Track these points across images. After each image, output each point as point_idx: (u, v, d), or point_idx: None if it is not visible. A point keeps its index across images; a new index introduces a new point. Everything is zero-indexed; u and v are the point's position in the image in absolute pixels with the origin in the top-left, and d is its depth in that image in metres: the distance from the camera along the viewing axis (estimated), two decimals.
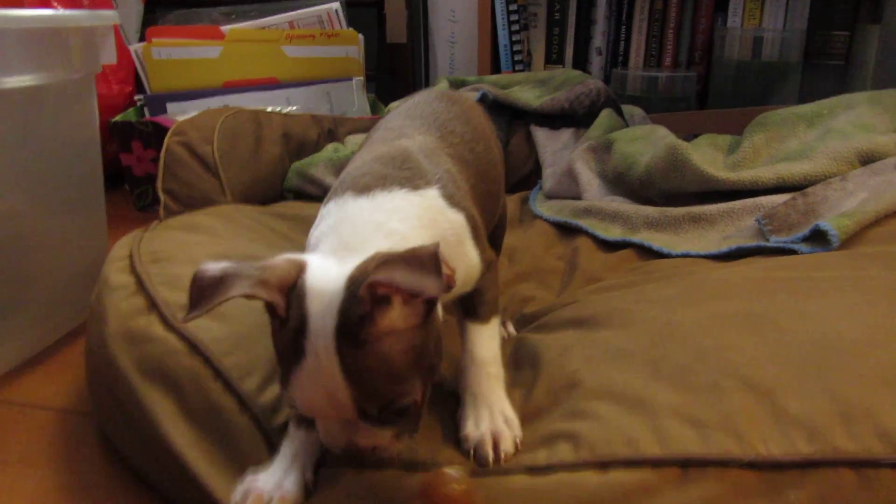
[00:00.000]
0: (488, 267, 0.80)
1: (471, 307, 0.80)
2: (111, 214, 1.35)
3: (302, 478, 0.74)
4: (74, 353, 1.19)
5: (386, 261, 0.59)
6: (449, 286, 0.64)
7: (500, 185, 1.02)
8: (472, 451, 0.72)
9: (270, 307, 0.63)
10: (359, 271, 0.61)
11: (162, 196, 1.26)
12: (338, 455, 0.69)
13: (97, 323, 0.97)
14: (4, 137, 1.06)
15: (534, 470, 0.70)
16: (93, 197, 1.30)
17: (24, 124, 1.09)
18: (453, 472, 0.67)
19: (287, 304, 0.62)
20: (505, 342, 0.96)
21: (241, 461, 0.79)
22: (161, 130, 1.84)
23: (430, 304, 0.64)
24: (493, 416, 0.74)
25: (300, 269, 0.63)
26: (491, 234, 0.96)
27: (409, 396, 0.63)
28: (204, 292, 0.61)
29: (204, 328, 0.89)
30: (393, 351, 0.61)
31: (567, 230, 1.43)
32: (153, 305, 0.94)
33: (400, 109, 0.96)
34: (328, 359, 0.60)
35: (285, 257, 0.64)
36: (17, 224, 1.14)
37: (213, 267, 0.63)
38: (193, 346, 0.88)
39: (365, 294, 0.59)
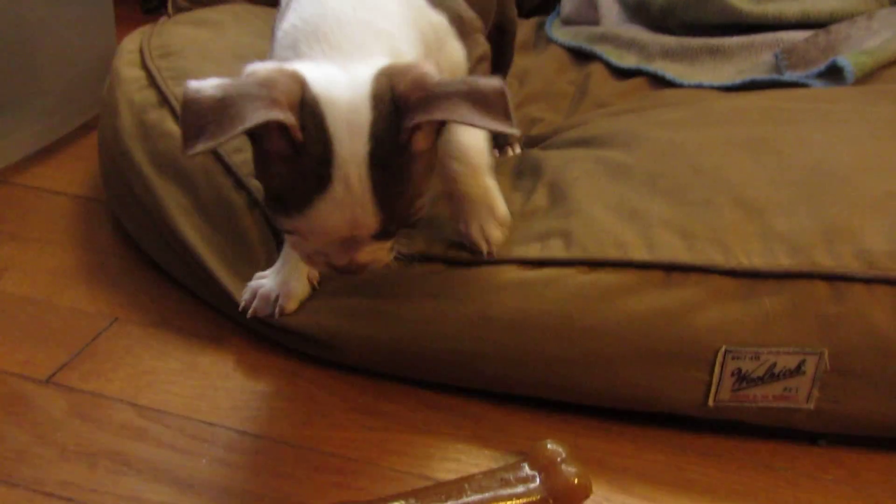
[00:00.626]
0: (479, 60, 0.77)
1: None
2: (118, 17, 1.33)
3: (305, 277, 0.78)
4: (87, 144, 1.21)
5: (444, 94, 0.55)
6: None
7: None
8: (468, 245, 0.76)
9: (274, 131, 0.54)
10: (388, 88, 0.56)
11: None
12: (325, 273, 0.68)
13: (110, 116, 0.99)
14: None
15: (526, 263, 0.74)
16: None
17: None
18: (569, 467, 0.66)
19: (300, 127, 0.54)
20: (510, 159, 0.98)
21: (248, 255, 0.84)
22: None
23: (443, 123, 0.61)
24: (484, 212, 0.76)
25: (300, 82, 0.56)
26: (495, 45, 0.90)
27: (423, 210, 0.62)
28: (207, 119, 0.51)
29: None
30: (418, 172, 0.59)
31: (581, 56, 1.40)
32: (164, 100, 0.95)
33: None
34: (360, 185, 0.56)
35: (276, 68, 0.56)
36: (23, 10, 1.13)
37: (207, 86, 0.53)
38: None
39: (409, 125, 0.55)
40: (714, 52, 1.30)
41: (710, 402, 0.71)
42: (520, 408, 0.76)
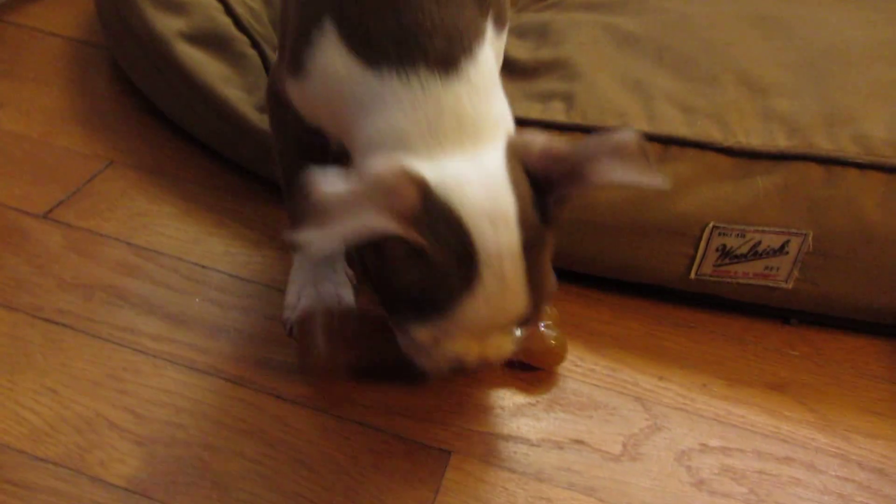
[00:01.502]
0: None
1: None
2: None
3: (344, 274, 0.71)
4: None
5: (586, 158, 0.51)
6: None
7: None
8: None
9: (398, 239, 0.49)
10: (521, 169, 0.52)
11: None
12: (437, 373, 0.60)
13: None
14: None
15: (526, 123, 0.74)
16: None
17: None
18: (549, 331, 0.68)
19: (419, 230, 0.49)
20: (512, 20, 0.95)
21: (246, 78, 0.83)
22: None
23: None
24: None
25: (420, 185, 0.50)
26: None
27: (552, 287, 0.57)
28: (329, 215, 0.47)
29: None
30: (551, 246, 0.55)
31: None
32: None
33: None
34: (514, 274, 0.52)
35: (394, 170, 0.50)
36: None
37: (338, 186, 0.48)
38: None
39: (557, 200, 0.52)
40: None
41: (692, 275, 0.72)
42: None
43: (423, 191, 0.50)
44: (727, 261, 0.71)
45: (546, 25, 0.87)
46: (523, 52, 0.83)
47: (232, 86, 0.82)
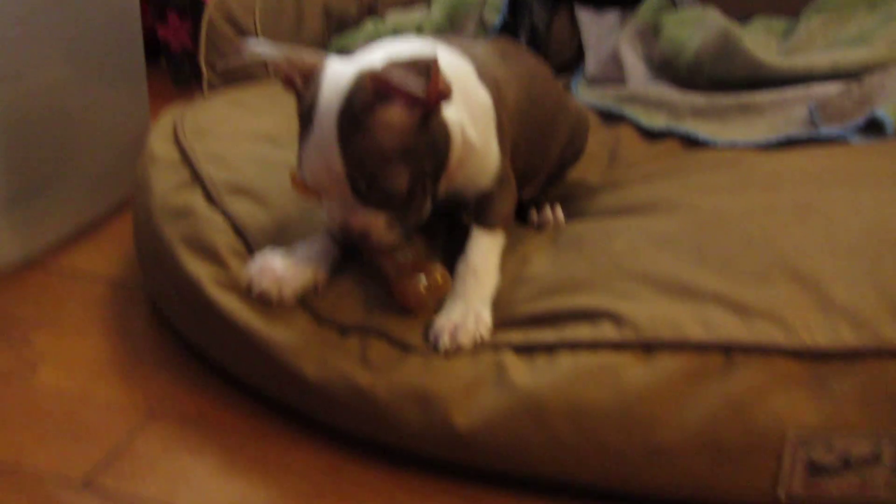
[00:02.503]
0: (502, 182, 0.83)
1: (481, 213, 0.82)
2: (149, 90, 1.34)
3: (313, 272, 0.80)
4: (123, 225, 1.21)
5: (391, 63, 0.69)
6: (441, 95, 0.71)
7: (548, 141, 0.99)
8: (432, 338, 0.75)
9: (290, 84, 0.75)
10: (367, 67, 0.71)
11: (204, 70, 1.24)
12: (340, 240, 0.79)
13: (143, 194, 0.98)
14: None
15: (577, 346, 0.71)
16: (133, 68, 1.29)
17: None
18: (427, 279, 0.76)
19: (305, 85, 0.74)
20: (547, 226, 0.96)
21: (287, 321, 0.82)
22: (198, 1, 1.79)
23: (427, 113, 0.72)
24: (465, 312, 0.76)
25: (322, 62, 0.74)
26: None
27: (393, 180, 0.72)
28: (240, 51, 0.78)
29: (246, 212, 0.90)
30: (384, 137, 0.71)
31: (609, 117, 1.39)
32: (196, 179, 0.94)
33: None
34: (329, 131, 0.70)
35: (314, 52, 0.77)
36: (60, 95, 1.14)
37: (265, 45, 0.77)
38: (236, 228, 0.88)
39: (367, 85, 0.70)
40: (745, 109, 1.28)
41: (782, 495, 0.67)
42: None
43: (321, 65, 0.74)
44: (818, 477, 0.65)
45: (580, 237, 0.87)
46: (561, 271, 0.82)
47: (275, 324, 0.80)
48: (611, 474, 0.71)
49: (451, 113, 0.75)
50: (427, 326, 0.77)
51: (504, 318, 0.78)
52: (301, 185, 0.78)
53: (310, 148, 0.72)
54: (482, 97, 0.81)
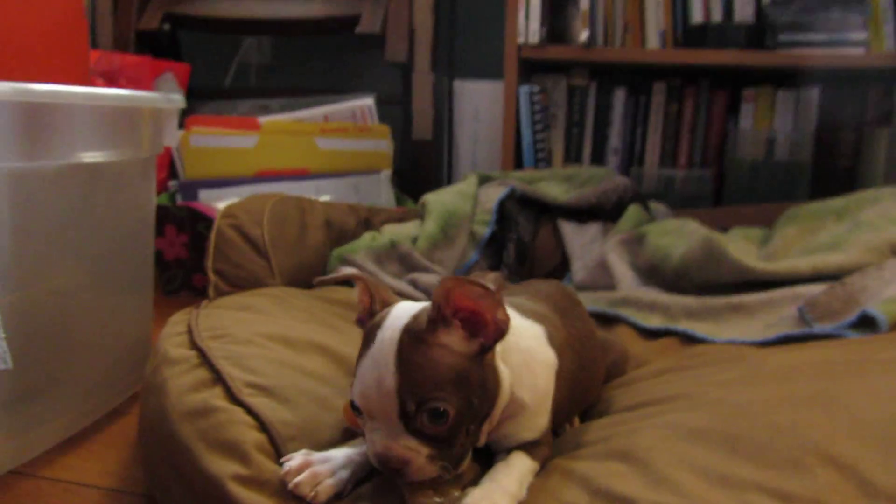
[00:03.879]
0: (538, 445, 0.84)
1: (522, 448, 0.82)
2: None
3: (350, 479, 0.78)
4: (116, 431, 1.18)
5: (462, 284, 0.73)
6: (500, 330, 0.75)
7: (594, 383, 1.05)
8: None
9: (366, 299, 0.81)
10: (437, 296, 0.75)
11: (212, 276, 1.27)
12: (377, 467, 0.75)
13: (156, 396, 0.96)
14: (69, 212, 1.09)
15: None
16: (143, 279, 1.31)
17: (88, 200, 1.11)
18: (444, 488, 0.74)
19: (376, 305, 0.79)
20: (566, 433, 0.96)
21: None
22: (195, 216, 1.87)
23: (484, 348, 0.75)
24: (500, 496, 0.74)
25: (396, 301, 0.79)
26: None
27: (444, 403, 0.71)
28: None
29: (270, 408, 0.89)
30: (440, 360, 0.72)
31: (605, 319, 1.44)
32: (218, 379, 0.93)
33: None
34: (389, 345, 0.72)
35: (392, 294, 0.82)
36: (67, 301, 1.15)
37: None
38: (261, 423, 0.87)
39: (434, 306, 0.73)
40: (737, 309, 1.34)
41: None
42: None
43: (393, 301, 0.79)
44: None
45: (604, 434, 0.87)
46: (597, 471, 0.80)
47: None
48: None
49: (503, 368, 0.79)
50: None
51: None
52: (349, 412, 0.80)
53: (365, 363, 0.74)
54: (550, 359, 0.86)
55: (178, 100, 1.19)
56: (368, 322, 0.78)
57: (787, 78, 2.28)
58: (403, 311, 0.76)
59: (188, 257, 1.91)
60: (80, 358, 1.17)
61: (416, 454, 0.72)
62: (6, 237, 1.00)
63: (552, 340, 0.87)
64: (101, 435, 1.17)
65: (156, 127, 1.15)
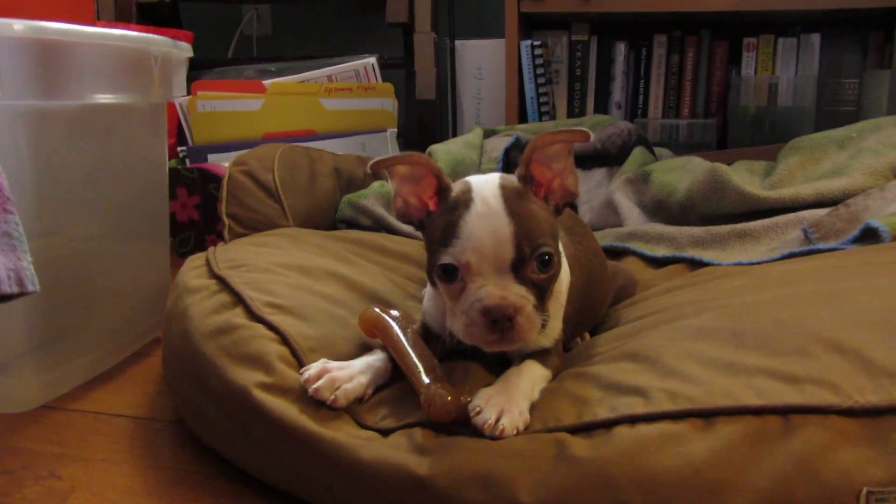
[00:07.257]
0: (557, 345, 0.89)
1: (535, 358, 0.86)
2: None
3: (365, 386, 0.83)
4: (141, 370, 1.21)
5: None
6: (571, 194, 0.84)
7: (602, 300, 1.09)
8: (473, 409, 0.76)
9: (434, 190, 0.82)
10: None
11: (226, 220, 1.30)
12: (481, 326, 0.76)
13: (178, 322, 0.99)
14: (86, 158, 1.11)
15: (634, 420, 0.72)
16: (159, 230, 1.34)
17: (104, 147, 1.14)
18: (450, 391, 0.77)
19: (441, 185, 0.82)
20: (579, 345, 0.99)
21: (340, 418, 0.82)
22: (206, 177, 1.90)
23: (557, 209, 0.84)
24: (508, 400, 0.77)
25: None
26: None
27: (550, 248, 0.77)
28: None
29: (290, 324, 0.92)
30: (539, 213, 0.79)
31: (613, 253, 1.46)
32: (239, 301, 0.96)
33: None
34: (496, 202, 0.76)
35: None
36: (92, 248, 1.18)
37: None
38: (281, 336, 0.90)
39: (525, 161, 0.80)
40: (742, 236, 1.36)
41: None
42: None
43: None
44: None
45: (619, 346, 0.89)
46: (605, 367, 0.84)
47: (329, 424, 0.80)
48: None
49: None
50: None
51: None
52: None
53: (471, 220, 0.76)
54: (565, 270, 0.89)
55: (185, 47, 1.21)
56: (445, 195, 0.81)
57: (788, 27, 2.29)
58: (486, 177, 0.81)
59: (200, 218, 1.94)
60: (102, 302, 1.21)
61: (527, 301, 0.76)
62: (28, 179, 1.03)
63: (565, 249, 0.90)
64: (126, 374, 1.21)
65: (164, 74, 1.17)
